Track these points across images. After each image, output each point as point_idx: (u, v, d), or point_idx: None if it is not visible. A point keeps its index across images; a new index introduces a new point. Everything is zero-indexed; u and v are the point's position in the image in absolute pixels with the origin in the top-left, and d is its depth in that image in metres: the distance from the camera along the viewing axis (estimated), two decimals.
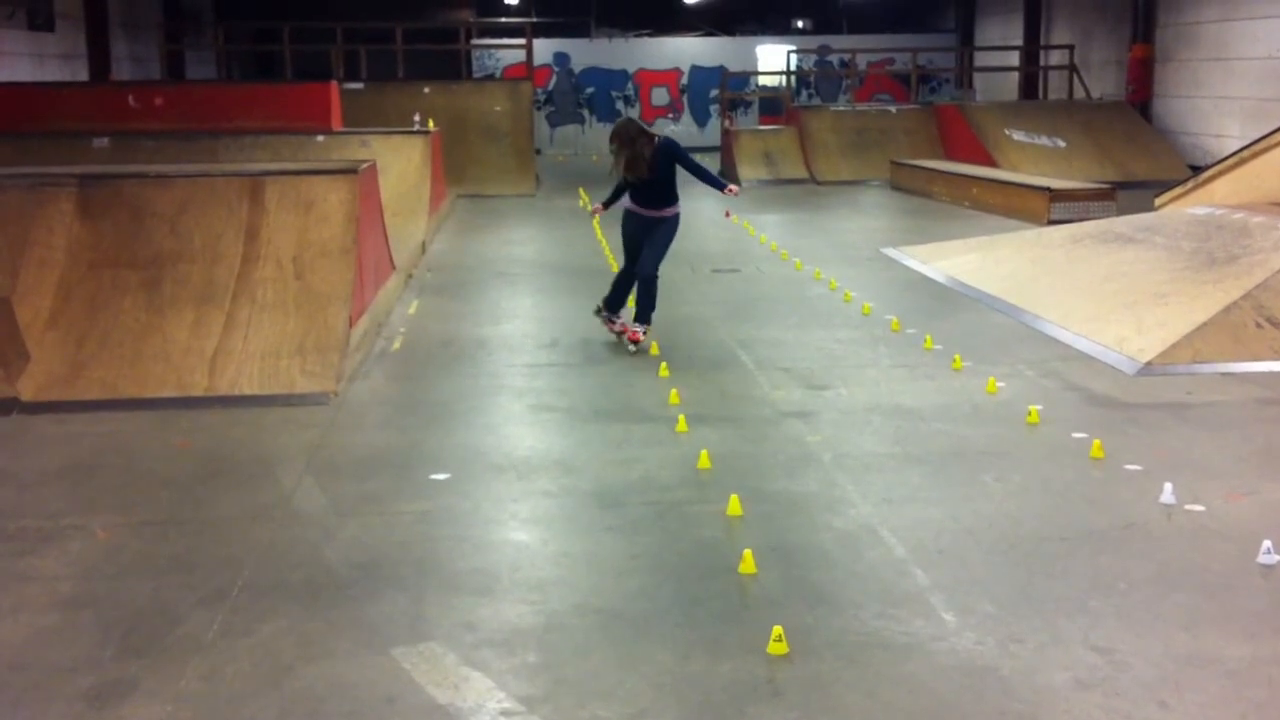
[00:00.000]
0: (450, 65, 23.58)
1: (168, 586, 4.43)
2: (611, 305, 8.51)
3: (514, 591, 4.37)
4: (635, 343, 8.16)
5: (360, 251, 7.96)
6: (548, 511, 5.21)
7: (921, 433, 6.23)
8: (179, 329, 7.29)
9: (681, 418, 6.37)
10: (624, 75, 29.04)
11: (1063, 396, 6.87)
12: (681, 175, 8.14)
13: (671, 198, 8.18)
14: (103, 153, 13.60)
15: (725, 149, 21.85)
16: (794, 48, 28.79)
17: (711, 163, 23.93)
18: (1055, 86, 24.04)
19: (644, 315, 8.25)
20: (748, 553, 4.54)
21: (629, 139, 7.96)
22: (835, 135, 21.21)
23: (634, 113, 28.68)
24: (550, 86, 28.63)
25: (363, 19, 23.94)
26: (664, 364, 7.60)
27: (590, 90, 28.58)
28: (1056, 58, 24.37)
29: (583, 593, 4.37)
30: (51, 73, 19.13)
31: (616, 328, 8.43)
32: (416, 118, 17.36)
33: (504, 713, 3.57)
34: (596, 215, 8.57)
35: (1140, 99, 20.80)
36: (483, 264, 12.12)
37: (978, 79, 27.57)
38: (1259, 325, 7.52)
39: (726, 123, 23.31)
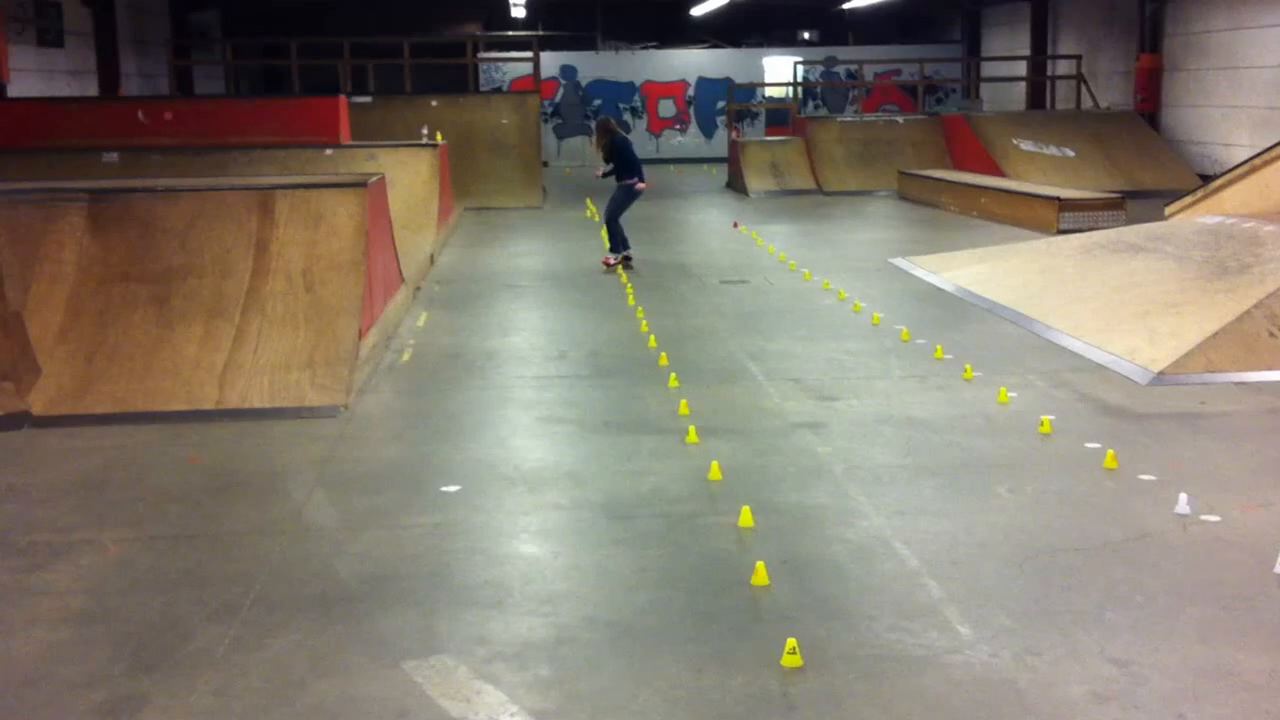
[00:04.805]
0: (457, 79, 23.62)
1: (179, 601, 4.43)
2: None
3: (525, 605, 4.36)
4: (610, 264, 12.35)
5: (369, 264, 7.97)
6: (558, 524, 5.19)
7: (933, 444, 6.20)
8: (189, 343, 7.30)
9: (692, 429, 6.36)
10: (631, 87, 29.10)
11: (1075, 407, 6.84)
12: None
13: (622, 173, 12.57)
14: (112, 167, 13.67)
15: (732, 160, 21.87)
16: (800, 59, 28.86)
17: (719, 174, 24.05)
18: (1063, 96, 24.03)
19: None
20: (760, 565, 4.52)
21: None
22: (842, 146, 21.21)
23: (641, 124, 28.78)
24: (557, 99, 28.69)
25: (370, 33, 24.02)
26: (674, 375, 7.59)
27: (597, 102, 28.63)
28: (1064, 68, 24.36)
29: (594, 606, 4.35)
30: (61, 88, 19.21)
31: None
32: (424, 131, 17.40)
33: None
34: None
35: (1149, 108, 20.78)
36: (491, 276, 12.12)
37: (984, 89, 27.56)
38: (1272, 334, 7.48)
39: (733, 134, 23.33)
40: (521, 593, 4.46)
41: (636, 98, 29.14)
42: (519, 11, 26.52)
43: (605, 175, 12.71)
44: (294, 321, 7.46)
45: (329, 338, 7.39)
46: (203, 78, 25.76)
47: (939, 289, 10.73)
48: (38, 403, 6.84)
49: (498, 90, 27.32)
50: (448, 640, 4.08)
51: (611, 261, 12.40)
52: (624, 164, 12.51)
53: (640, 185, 12.51)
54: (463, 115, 19.51)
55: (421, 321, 9.71)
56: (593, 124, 13.40)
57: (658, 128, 29.22)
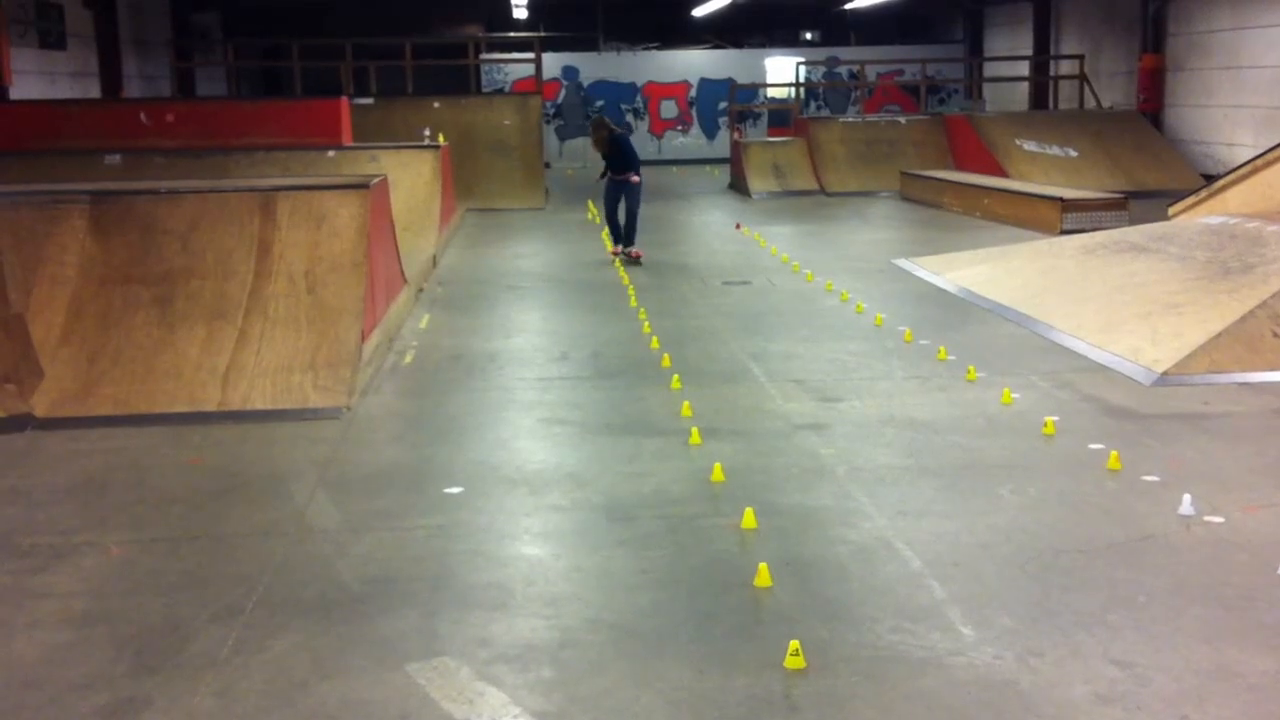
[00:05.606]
0: (459, 80, 23.64)
1: (180, 603, 4.42)
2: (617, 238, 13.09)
3: (527, 606, 4.35)
4: (639, 256, 12.86)
5: (371, 266, 7.97)
6: (560, 526, 5.19)
7: (936, 445, 6.20)
8: (191, 345, 7.30)
9: (694, 431, 6.35)
10: (632, 88, 29.10)
11: (1078, 408, 6.83)
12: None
13: (622, 168, 12.84)
14: (114, 169, 13.67)
15: (734, 161, 21.86)
16: (802, 59, 28.85)
17: (721, 175, 24.05)
18: (1065, 96, 24.01)
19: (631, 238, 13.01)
20: (763, 566, 4.51)
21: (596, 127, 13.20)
22: (844, 147, 21.20)
23: (643, 125, 28.81)
24: (559, 100, 28.69)
25: (372, 35, 24.03)
26: (676, 377, 7.58)
27: (599, 103, 28.63)
28: (1066, 68, 24.34)
29: (596, 608, 4.34)
30: (63, 90, 19.23)
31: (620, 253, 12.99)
32: (426, 132, 17.41)
33: None
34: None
35: (1151, 108, 20.76)
36: (493, 277, 12.12)
37: (987, 89, 27.56)
38: (1275, 334, 7.47)
39: (735, 135, 23.32)
40: (524, 594, 4.46)
41: (638, 99, 29.13)
42: (520, 12, 26.51)
43: (619, 175, 12.86)
44: (296, 323, 7.46)
45: (331, 339, 7.39)
46: (204, 79, 25.77)
47: (941, 290, 10.72)
48: (40, 405, 6.84)
49: (499, 91, 27.31)
50: (450, 642, 4.08)
51: (636, 253, 12.86)
52: (627, 158, 12.84)
53: (634, 178, 12.84)
54: (464, 116, 19.51)
55: (424, 323, 9.71)
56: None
57: (660, 129, 29.21)
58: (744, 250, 13.83)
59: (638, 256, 12.87)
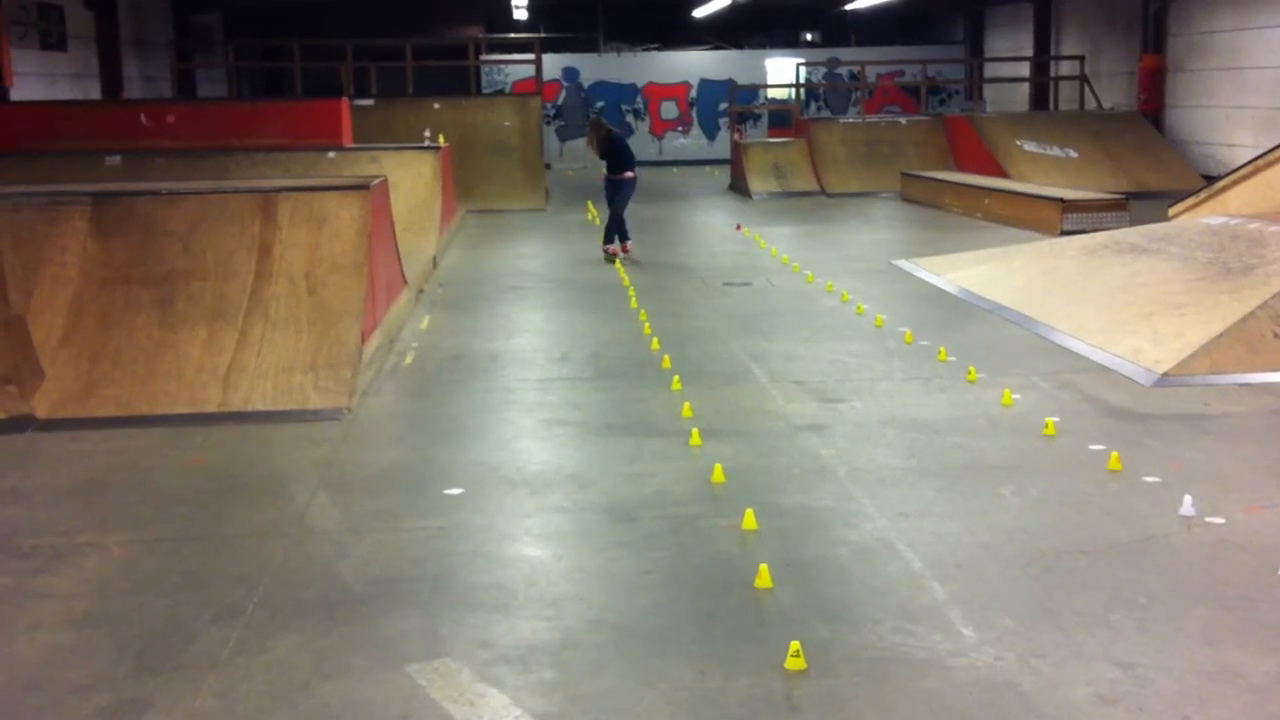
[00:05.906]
0: (460, 81, 23.65)
1: (182, 604, 4.42)
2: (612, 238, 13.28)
3: (529, 607, 4.35)
4: (616, 254, 13.07)
5: (372, 267, 7.97)
6: (561, 527, 5.19)
7: (937, 446, 6.20)
8: (192, 346, 7.30)
9: (695, 432, 6.35)
10: (633, 89, 29.11)
11: (1079, 408, 6.83)
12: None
13: (619, 168, 13.21)
14: (115, 171, 13.67)
15: (735, 162, 21.87)
16: (802, 60, 28.86)
17: (721, 176, 24.06)
18: (1066, 97, 24.02)
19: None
20: (763, 567, 4.51)
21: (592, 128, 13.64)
22: (845, 147, 21.20)
23: (644, 126, 28.85)
24: (559, 101, 28.70)
25: (372, 36, 24.03)
26: (676, 378, 7.58)
27: (600, 104, 28.65)
28: (1067, 68, 24.35)
29: (597, 609, 4.34)
30: (64, 92, 19.24)
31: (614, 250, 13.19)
32: (426, 133, 17.42)
33: None
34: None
35: (1152, 109, 20.77)
36: (493, 278, 12.13)
37: (987, 90, 27.56)
38: (1276, 335, 7.47)
39: (736, 136, 23.32)
40: (525, 595, 4.46)
41: (639, 99, 29.14)
42: (521, 13, 26.53)
43: (617, 175, 13.20)
44: (297, 324, 7.46)
45: (332, 340, 7.39)
46: (205, 80, 25.78)
47: (942, 290, 10.72)
48: (41, 406, 6.85)
49: (500, 92, 27.32)
50: (451, 643, 4.08)
51: (627, 249, 13.15)
52: (624, 158, 13.20)
53: (628, 174, 13.19)
54: (465, 117, 19.52)
55: (424, 324, 9.71)
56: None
57: (660, 129, 29.22)
58: (744, 251, 13.84)
59: (615, 254, 13.09)
